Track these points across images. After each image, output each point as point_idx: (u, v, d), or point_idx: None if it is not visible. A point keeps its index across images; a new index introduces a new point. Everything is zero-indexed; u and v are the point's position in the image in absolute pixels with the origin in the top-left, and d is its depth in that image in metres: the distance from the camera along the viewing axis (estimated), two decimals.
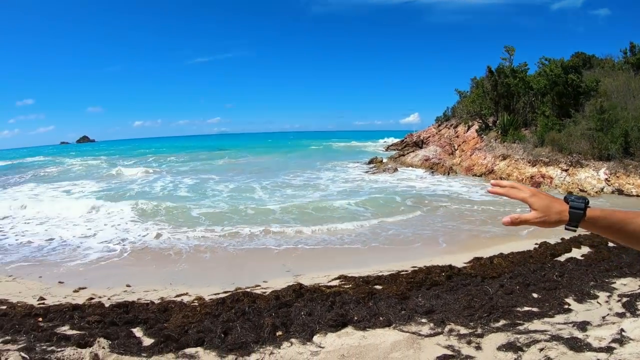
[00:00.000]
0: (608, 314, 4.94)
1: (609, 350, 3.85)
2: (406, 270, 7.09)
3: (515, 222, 1.19)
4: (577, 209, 1.16)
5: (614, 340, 4.00)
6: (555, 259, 7.40)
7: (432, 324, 4.63)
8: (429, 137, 30.88)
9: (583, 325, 4.45)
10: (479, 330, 4.40)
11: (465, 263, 7.37)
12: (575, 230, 1.19)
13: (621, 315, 4.85)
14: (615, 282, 6.05)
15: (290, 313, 5.19)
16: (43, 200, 16.89)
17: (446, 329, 4.49)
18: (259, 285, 7.05)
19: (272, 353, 4.20)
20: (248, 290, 6.61)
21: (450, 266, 7.03)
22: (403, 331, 4.54)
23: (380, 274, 7.03)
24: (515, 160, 19.57)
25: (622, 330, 4.20)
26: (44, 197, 18.30)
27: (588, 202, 1.18)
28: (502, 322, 4.64)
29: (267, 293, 6.31)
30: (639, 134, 17.62)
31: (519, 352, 3.90)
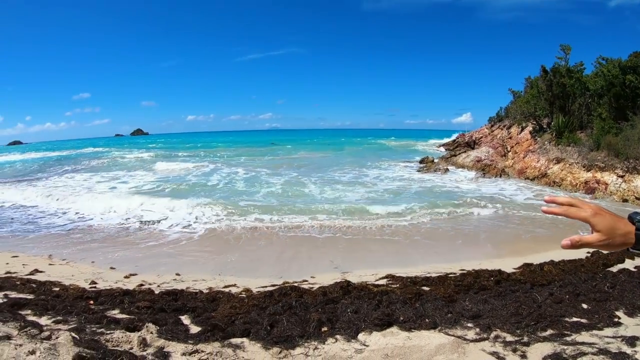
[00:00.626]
0: None
1: None
2: (454, 273, 7.12)
3: (575, 245, 1.10)
4: None
5: None
6: (608, 269, 7.16)
7: (478, 329, 4.57)
8: (481, 137, 30.49)
9: (632, 341, 4.29)
10: (525, 339, 4.33)
11: (514, 269, 7.33)
12: None
13: None
14: None
15: (337, 309, 5.19)
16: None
17: (492, 335, 4.44)
18: (307, 280, 7.14)
19: (316, 348, 4.20)
20: (295, 284, 6.65)
21: (499, 271, 6.99)
22: (448, 334, 4.50)
23: (428, 275, 7.07)
24: (569, 164, 19.05)
25: None
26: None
27: None
28: (549, 332, 4.52)
29: (315, 288, 6.33)
30: None
31: None
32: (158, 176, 24.06)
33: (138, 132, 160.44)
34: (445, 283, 6.42)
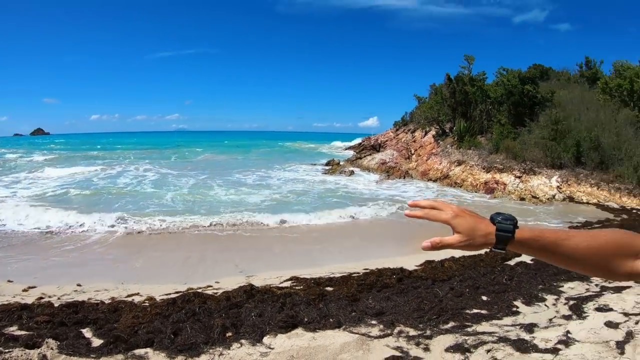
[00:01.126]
0: (555, 317, 5.10)
1: (554, 351, 4.02)
2: (358, 273, 7.07)
3: (436, 247, 1.08)
4: (505, 232, 1.04)
5: (560, 342, 4.17)
6: (506, 262, 7.51)
7: (381, 326, 4.66)
8: (387, 141, 30.82)
9: (530, 327, 4.60)
10: (428, 332, 4.47)
11: (416, 266, 7.35)
12: (503, 252, 1.07)
13: (567, 318, 5.04)
14: (563, 286, 6.26)
15: (241, 314, 5.21)
16: None
17: (395, 331, 4.53)
18: (211, 286, 6.92)
19: (221, 354, 4.21)
20: (199, 290, 6.54)
21: (401, 269, 7.01)
22: (353, 332, 4.59)
23: (332, 275, 7.00)
24: (470, 166, 19.72)
25: (568, 332, 4.40)
26: None
27: (516, 222, 1.05)
28: (451, 324, 4.69)
29: (219, 294, 6.27)
30: (591, 144, 18.17)
31: (467, 353, 3.97)
32: (59, 181, 21.14)
33: (39, 132, 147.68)
34: (348, 283, 6.47)
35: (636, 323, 4.69)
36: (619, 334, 4.44)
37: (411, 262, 7.65)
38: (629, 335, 4.39)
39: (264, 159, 35.00)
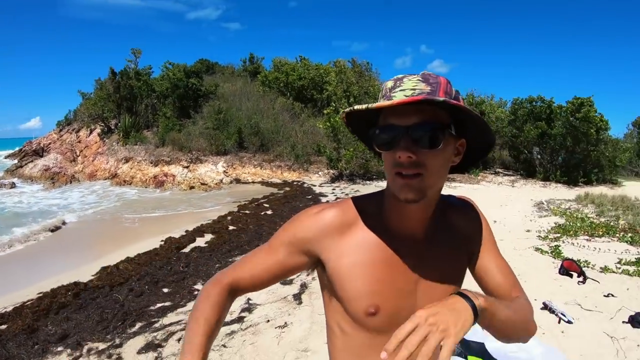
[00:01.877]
0: None
1: (239, 320, 4.33)
2: (32, 299, 6.14)
3: None
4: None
5: (243, 310, 4.55)
6: (181, 251, 7.55)
7: (69, 350, 4.33)
8: (50, 144, 26.68)
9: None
10: (117, 341, 4.33)
11: (92, 275, 6.70)
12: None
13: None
14: (238, 259, 6.12)
15: None
16: None
17: (85, 350, 4.27)
18: None
19: None
20: None
21: (75, 283, 6.34)
22: None
23: (4, 311, 5.84)
24: (137, 162, 18.77)
25: (249, 299, 4.76)
26: None
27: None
28: (138, 326, 4.62)
29: None
30: (251, 130, 19.68)
31: (159, 349, 3.99)
32: None
33: None
34: (22, 314, 5.61)
35: (307, 275, 5.40)
36: (294, 288, 5.10)
37: (86, 272, 6.86)
38: (303, 287, 5.13)
39: None
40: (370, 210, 1.05)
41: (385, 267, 1.00)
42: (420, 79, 0.89)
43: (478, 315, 0.87)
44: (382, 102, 0.85)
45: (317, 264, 1.06)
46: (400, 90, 0.88)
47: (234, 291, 1.08)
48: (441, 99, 0.82)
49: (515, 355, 2.99)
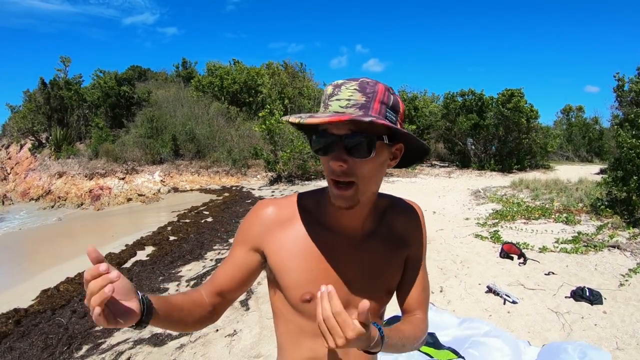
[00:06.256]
0: None
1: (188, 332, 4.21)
2: None
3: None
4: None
5: None
6: (123, 266, 7.37)
7: None
8: None
9: None
10: None
11: (32, 300, 6.40)
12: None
13: None
14: (181, 270, 6.57)
15: None
16: None
17: None
18: None
19: None
20: None
21: (15, 310, 6.04)
22: None
23: None
24: (72, 177, 18.24)
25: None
26: None
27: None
28: (85, 349, 4.42)
29: None
30: (186, 137, 19.59)
31: None
32: None
33: None
34: None
35: (258, 283, 5.28)
36: (241, 295, 5.14)
37: (25, 296, 6.52)
38: (250, 292, 5.08)
39: None
40: (310, 206, 1.11)
41: (320, 259, 1.06)
42: (357, 88, 0.90)
43: (383, 337, 0.94)
44: (311, 119, 0.87)
45: (264, 258, 1.11)
46: (337, 99, 0.91)
47: (215, 293, 1.13)
48: (368, 119, 0.85)
49: (465, 334, 3.37)
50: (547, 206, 9.29)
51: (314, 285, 1.01)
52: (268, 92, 22.92)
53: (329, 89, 0.94)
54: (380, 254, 1.12)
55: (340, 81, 0.93)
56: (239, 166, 18.80)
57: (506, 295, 4.44)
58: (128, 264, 7.46)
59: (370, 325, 0.86)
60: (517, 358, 3.09)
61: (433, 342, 3.21)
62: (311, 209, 1.11)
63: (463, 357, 3.04)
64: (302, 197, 1.14)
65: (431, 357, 3.01)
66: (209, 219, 10.67)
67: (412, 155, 1.07)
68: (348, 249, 1.08)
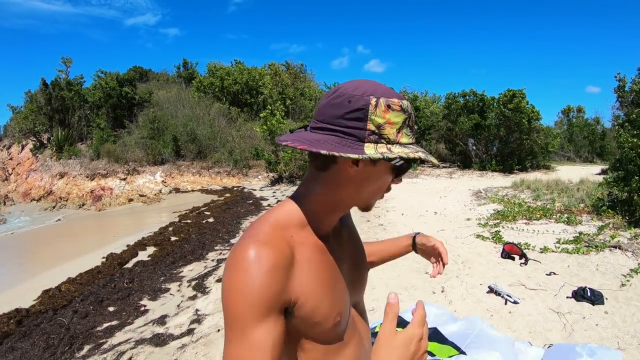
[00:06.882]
0: (182, 301, 5.32)
1: (190, 332, 4.27)
2: None
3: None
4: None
5: (192, 322, 4.51)
6: (124, 266, 7.35)
7: None
8: None
9: (162, 320, 4.72)
10: None
11: (34, 301, 6.38)
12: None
13: (193, 298, 5.36)
14: (182, 271, 6.59)
15: None
16: None
17: None
18: None
19: None
20: None
21: (17, 310, 6.01)
22: None
23: None
24: (73, 177, 18.34)
25: (197, 310, 4.79)
26: None
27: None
28: (86, 349, 4.41)
29: None
30: (187, 137, 19.61)
31: None
32: None
33: None
34: None
35: None
36: None
37: (27, 296, 6.51)
38: None
39: None
40: (298, 226, 0.94)
41: (331, 274, 0.94)
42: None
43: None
44: (426, 156, 0.87)
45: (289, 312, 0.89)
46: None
47: None
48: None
49: (465, 331, 3.42)
50: (548, 206, 9.24)
51: (338, 303, 0.93)
52: (269, 92, 22.92)
53: (410, 109, 0.88)
54: (352, 237, 1.12)
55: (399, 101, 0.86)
56: (240, 167, 18.84)
57: (507, 295, 4.42)
58: (129, 264, 7.44)
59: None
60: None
61: (436, 336, 3.22)
62: (301, 228, 0.94)
63: (464, 353, 3.04)
64: (278, 224, 0.92)
65: (433, 355, 3.01)
66: (211, 220, 10.68)
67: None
68: (338, 249, 1.01)
